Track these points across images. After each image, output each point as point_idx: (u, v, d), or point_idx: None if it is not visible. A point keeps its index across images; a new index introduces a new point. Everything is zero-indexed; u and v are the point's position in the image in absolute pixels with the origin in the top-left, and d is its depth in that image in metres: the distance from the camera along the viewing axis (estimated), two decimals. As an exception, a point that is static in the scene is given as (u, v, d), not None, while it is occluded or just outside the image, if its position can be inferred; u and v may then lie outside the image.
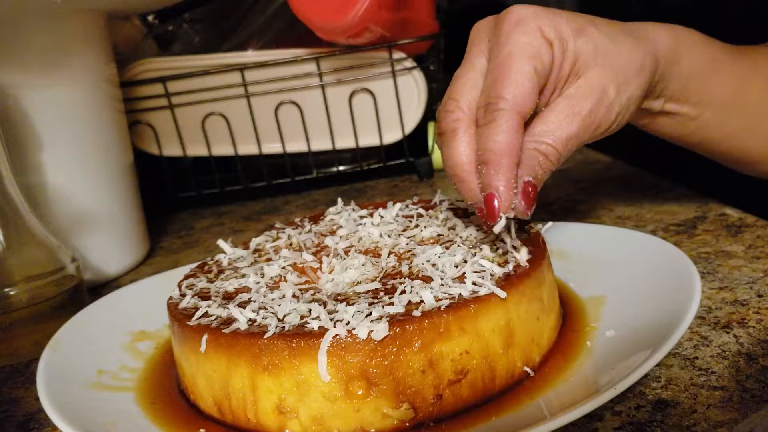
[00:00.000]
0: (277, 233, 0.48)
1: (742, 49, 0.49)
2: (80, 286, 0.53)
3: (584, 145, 0.42)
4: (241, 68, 0.74)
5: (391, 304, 0.33)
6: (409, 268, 0.38)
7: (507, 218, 0.37)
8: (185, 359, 0.37)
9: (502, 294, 0.34)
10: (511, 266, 0.37)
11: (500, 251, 0.39)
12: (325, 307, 0.34)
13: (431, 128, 0.82)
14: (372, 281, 0.38)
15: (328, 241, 0.44)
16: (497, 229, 0.37)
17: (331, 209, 0.51)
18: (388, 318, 0.32)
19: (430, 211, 0.47)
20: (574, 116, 0.39)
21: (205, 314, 0.36)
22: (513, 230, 0.39)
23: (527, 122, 0.39)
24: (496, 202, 0.36)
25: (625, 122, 0.42)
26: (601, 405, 0.30)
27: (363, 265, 0.40)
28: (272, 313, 0.35)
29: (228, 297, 0.38)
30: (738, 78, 0.47)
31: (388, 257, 0.41)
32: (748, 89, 0.47)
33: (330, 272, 0.41)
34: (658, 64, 0.43)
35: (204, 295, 0.39)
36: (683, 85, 0.45)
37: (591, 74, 0.40)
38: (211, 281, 0.42)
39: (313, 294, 0.37)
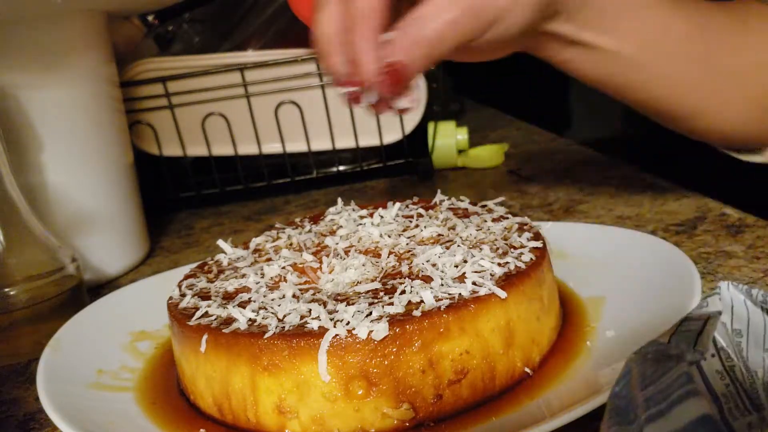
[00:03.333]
0: (277, 233, 0.48)
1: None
2: (80, 286, 0.53)
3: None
4: (241, 68, 0.74)
5: (391, 304, 0.33)
6: (409, 268, 0.38)
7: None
8: (185, 359, 0.37)
9: (502, 294, 0.34)
10: (511, 266, 0.37)
11: (500, 251, 0.39)
12: (325, 307, 0.34)
13: (431, 128, 0.82)
14: (372, 281, 0.38)
15: (328, 241, 0.44)
16: (365, 101, 0.37)
17: (331, 209, 0.50)
18: (388, 318, 0.32)
19: (430, 211, 0.47)
20: (453, 2, 0.38)
21: (205, 314, 0.36)
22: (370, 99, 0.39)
23: (414, 4, 0.38)
24: (361, 65, 0.36)
25: (515, 23, 0.41)
26: (601, 405, 0.30)
27: (363, 265, 0.40)
28: (272, 313, 0.35)
29: (228, 297, 0.38)
30: (672, 15, 0.45)
31: (388, 257, 0.41)
32: (675, 30, 0.46)
33: (330, 272, 0.41)
34: None
35: (204, 295, 0.39)
36: (602, 12, 0.43)
37: None
38: (211, 281, 0.42)
39: (313, 294, 0.37)
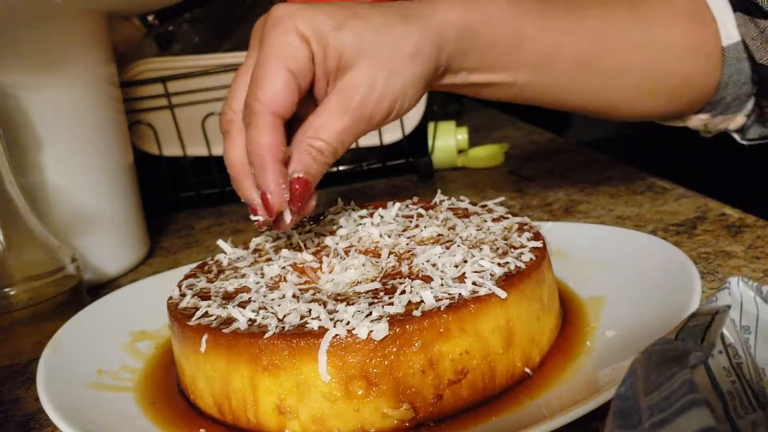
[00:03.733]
0: (277, 233, 0.48)
1: (570, 3, 0.49)
2: (80, 286, 0.53)
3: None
4: (241, 68, 0.74)
5: (391, 304, 0.33)
6: (409, 268, 0.38)
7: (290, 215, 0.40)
8: (185, 359, 0.37)
9: (502, 294, 0.34)
10: (511, 266, 0.37)
11: (500, 251, 0.39)
12: (325, 307, 0.34)
13: (431, 128, 0.82)
14: (372, 281, 0.38)
15: (328, 241, 0.44)
16: (284, 226, 0.40)
17: (331, 209, 0.51)
18: (388, 318, 0.32)
19: (430, 211, 0.47)
20: (345, 110, 0.40)
21: (205, 314, 0.36)
22: (288, 220, 0.41)
23: (306, 116, 0.40)
24: (270, 199, 0.39)
25: (411, 104, 0.43)
26: (601, 405, 0.30)
27: (363, 265, 0.40)
28: (272, 313, 0.35)
29: (228, 297, 0.38)
30: (554, 38, 0.47)
31: (388, 257, 0.41)
32: (564, 49, 0.47)
33: (330, 272, 0.41)
34: (445, 42, 0.43)
35: (204, 295, 0.39)
36: (485, 54, 0.45)
37: (358, 67, 0.40)
38: (211, 281, 0.42)
39: (313, 294, 0.37)
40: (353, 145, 0.78)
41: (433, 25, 0.43)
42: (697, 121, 0.54)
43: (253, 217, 0.41)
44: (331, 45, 0.40)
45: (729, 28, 0.49)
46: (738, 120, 0.53)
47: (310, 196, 0.41)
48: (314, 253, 0.43)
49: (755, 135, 0.54)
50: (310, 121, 0.40)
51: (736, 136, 0.55)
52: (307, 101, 0.41)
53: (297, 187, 0.39)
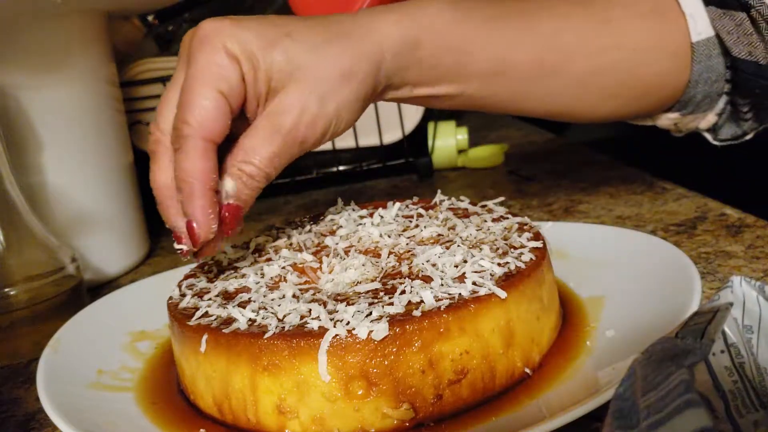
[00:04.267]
0: (277, 233, 0.48)
1: (525, 5, 0.47)
2: (80, 286, 0.53)
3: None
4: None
5: (391, 304, 0.33)
6: (409, 268, 0.38)
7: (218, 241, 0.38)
8: (185, 359, 0.37)
9: (502, 294, 0.34)
10: (511, 266, 0.37)
11: (500, 251, 0.39)
12: (325, 307, 0.34)
13: (431, 128, 0.82)
14: (372, 281, 0.38)
15: (328, 241, 0.44)
16: (209, 253, 0.39)
17: (331, 209, 0.51)
18: (388, 318, 0.32)
19: (430, 211, 0.47)
20: (275, 134, 0.38)
21: (205, 314, 0.36)
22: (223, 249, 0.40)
23: (237, 138, 0.38)
24: (196, 229, 0.37)
25: (347, 125, 0.41)
26: (601, 405, 0.30)
27: (363, 265, 0.40)
28: (272, 313, 0.35)
29: (228, 297, 0.38)
30: (501, 47, 0.45)
31: (388, 257, 0.41)
32: (513, 57, 0.45)
33: (330, 272, 0.41)
34: (383, 60, 0.41)
35: (204, 295, 0.39)
36: (429, 68, 0.43)
37: (289, 89, 0.38)
38: (211, 281, 0.42)
39: (313, 294, 0.37)
40: (353, 146, 0.79)
41: (369, 43, 0.40)
42: (666, 121, 0.53)
43: (176, 246, 0.39)
44: (261, 66, 0.38)
45: (699, 23, 0.47)
46: (709, 119, 0.52)
47: (240, 221, 0.40)
48: (314, 253, 0.43)
49: (728, 135, 0.53)
50: (241, 144, 0.38)
51: (708, 136, 0.53)
52: (239, 120, 0.39)
53: (227, 213, 0.38)
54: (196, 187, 0.37)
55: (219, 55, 0.37)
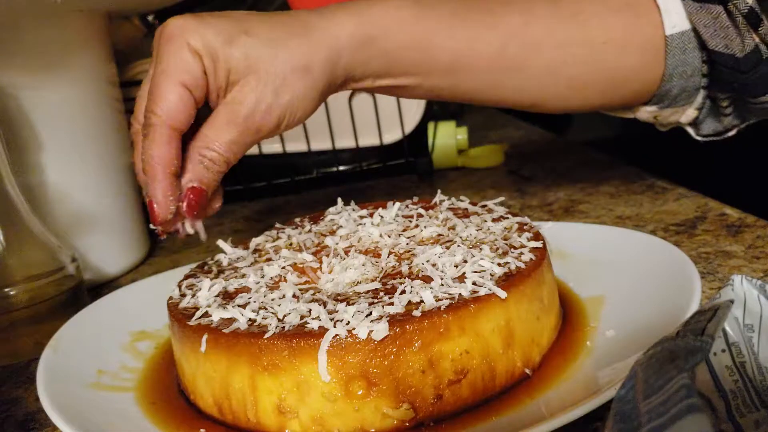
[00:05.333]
0: (277, 233, 0.48)
1: (488, 1, 0.48)
2: (80, 286, 0.53)
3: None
4: (241, 68, 0.74)
5: (391, 304, 0.33)
6: (409, 268, 0.38)
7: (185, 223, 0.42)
8: (185, 359, 0.37)
9: (503, 294, 0.34)
10: (511, 266, 0.37)
11: (500, 251, 0.39)
12: (325, 307, 0.34)
13: (431, 128, 0.82)
14: (372, 281, 0.38)
15: (328, 241, 0.44)
16: (182, 233, 0.43)
17: (331, 209, 0.51)
18: (388, 318, 0.32)
19: (430, 211, 0.47)
20: (231, 123, 0.41)
21: (205, 314, 0.36)
22: (186, 230, 0.43)
23: (201, 125, 0.42)
24: (156, 209, 0.40)
25: (304, 115, 0.44)
26: (601, 405, 0.30)
27: (363, 265, 0.40)
28: (272, 313, 0.35)
29: (228, 297, 0.38)
30: (464, 41, 0.46)
31: (388, 257, 0.41)
32: (476, 50, 0.47)
33: (330, 272, 0.41)
34: (339, 56, 0.44)
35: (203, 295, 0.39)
36: (390, 61, 0.46)
37: (245, 81, 0.41)
38: (211, 281, 0.42)
39: (313, 294, 0.37)
40: (353, 146, 0.79)
41: (325, 40, 0.43)
42: (645, 114, 0.53)
43: (152, 226, 0.42)
44: (221, 60, 0.41)
45: (674, 16, 0.47)
46: (689, 113, 0.52)
47: (215, 199, 0.44)
48: (314, 253, 0.43)
49: (709, 130, 0.53)
50: (202, 131, 0.41)
51: (691, 131, 0.54)
52: (202, 109, 0.42)
53: (192, 196, 0.41)
54: (158, 170, 0.40)
55: (183, 52, 0.40)
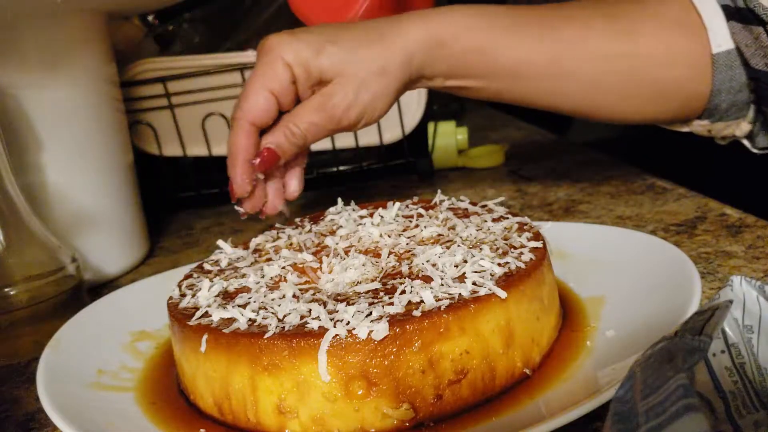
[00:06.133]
0: (277, 233, 0.48)
1: (548, 14, 0.52)
2: (80, 286, 0.53)
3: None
4: (241, 68, 0.74)
5: (391, 304, 0.33)
6: (409, 268, 0.38)
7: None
8: (185, 359, 0.37)
9: (503, 294, 0.34)
10: (511, 266, 0.37)
11: (500, 251, 0.39)
12: (325, 307, 0.34)
13: (431, 128, 0.82)
14: (372, 281, 0.38)
15: (328, 241, 0.44)
16: (243, 209, 0.51)
17: (331, 209, 0.51)
18: (388, 318, 0.32)
19: (430, 211, 0.47)
20: (319, 109, 0.49)
21: (205, 314, 0.36)
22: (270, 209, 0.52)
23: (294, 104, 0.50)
24: (234, 188, 0.49)
25: (381, 113, 0.51)
26: (601, 405, 0.30)
27: (363, 265, 0.40)
28: (272, 313, 0.35)
29: (228, 297, 0.38)
30: (524, 49, 0.51)
31: (388, 257, 0.41)
32: (535, 58, 0.51)
33: (330, 272, 0.41)
34: (412, 57, 0.50)
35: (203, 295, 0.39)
36: (457, 64, 0.51)
37: (335, 81, 0.49)
38: (211, 281, 0.42)
39: (313, 294, 0.37)
40: (353, 145, 0.79)
41: (399, 45, 0.50)
42: (699, 127, 0.55)
43: (236, 208, 0.51)
44: (312, 68, 0.49)
45: (719, 36, 0.50)
46: (743, 127, 0.53)
47: (294, 182, 0.53)
48: (314, 253, 0.43)
49: (764, 144, 0.54)
50: (294, 110, 0.50)
51: (747, 144, 0.55)
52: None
53: (265, 154, 0.49)
54: (238, 157, 0.49)
55: (276, 63, 0.48)
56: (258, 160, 0.48)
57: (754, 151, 0.55)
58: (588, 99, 0.53)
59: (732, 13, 0.49)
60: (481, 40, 0.51)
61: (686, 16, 0.50)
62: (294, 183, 0.53)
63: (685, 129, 0.56)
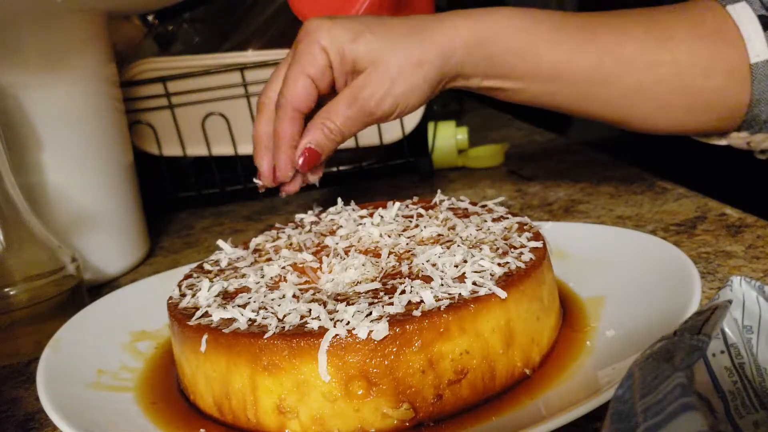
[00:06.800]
0: (277, 233, 0.48)
1: (588, 20, 0.52)
2: (80, 286, 0.53)
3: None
4: (241, 68, 0.75)
5: (391, 304, 0.33)
6: (409, 268, 0.38)
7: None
8: (185, 359, 0.37)
9: (503, 294, 0.34)
10: (511, 266, 0.37)
11: (500, 251, 0.39)
12: (325, 307, 0.34)
13: (431, 128, 0.82)
14: (372, 281, 0.38)
15: (328, 241, 0.44)
16: (285, 191, 0.53)
17: (331, 209, 0.51)
18: (388, 318, 0.32)
19: (430, 211, 0.47)
20: (352, 102, 0.49)
21: (205, 314, 0.36)
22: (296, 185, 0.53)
23: (328, 98, 0.50)
24: (278, 173, 0.51)
25: (415, 105, 0.51)
26: (601, 405, 0.30)
27: (363, 265, 0.40)
28: (272, 313, 0.35)
29: (228, 297, 0.38)
30: (563, 52, 0.51)
31: (388, 257, 0.41)
32: (573, 62, 0.51)
33: (330, 272, 0.41)
34: (452, 54, 0.50)
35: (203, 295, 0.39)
36: (497, 64, 0.51)
37: (368, 71, 0.49)
38: (211, 281, 0.42)
39: (313, 294, 0.37)
40: (353, 145, 0.79)
41: (439, 39, 0.49)
42: (737, 140, 0.54)
43: (255, 180, 0.53)
44: (347, 54, 0.49)
45: (757, 45, 0.49)
46: None
47: (318, 169, 0.53)
48: (314, 253, 0.43)
49: None
50: (327, 106, 0.50)
51: None
52: (332, 94, 0.51)
53: (307, 155, 0.50)
54: (284, 143, 0.50)
55: (313, 47, 0.49)
56: (301, 161, 0.49)
57: None
58: (626, 107, 0.53)
59: None
60: (522, 41, 0.51)
61: (722, 26, 0.50)
62: (316, 169, 0.53)
63: (723, 142, 0.55)
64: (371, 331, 0.31)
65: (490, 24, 0.50)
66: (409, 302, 0.34)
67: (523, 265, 0.37)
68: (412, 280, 0.36)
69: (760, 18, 0.49)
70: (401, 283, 0.36)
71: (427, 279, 0.36)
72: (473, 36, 0.50)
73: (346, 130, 0.50)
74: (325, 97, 0.51)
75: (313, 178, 0.53)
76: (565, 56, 0.51)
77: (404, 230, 0.44)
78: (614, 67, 0.51)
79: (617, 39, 0.51)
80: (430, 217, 0.46)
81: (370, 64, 0.49)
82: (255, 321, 0.34)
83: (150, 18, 0.91)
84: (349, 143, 0.79)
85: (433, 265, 0.38)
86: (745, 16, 0.50)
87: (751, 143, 0.54)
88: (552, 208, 0.64)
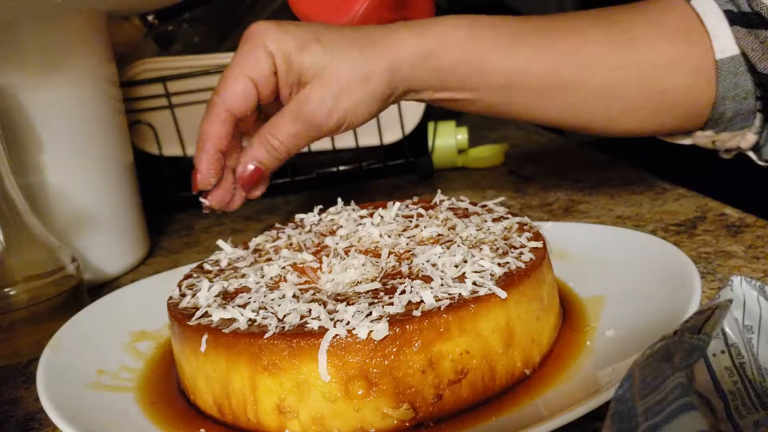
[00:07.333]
0: (277, 233, 0.48)
1: (544, 24, 0.50)
2: (80, 286, 0.53)
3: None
4: (241, 68, 0.74)
5: (391, 304, 0.33)
6: (409, 268, 0.38)
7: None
8: (185, 359, 0.37)
9: (503, 294, 0.34)
10: (511, 266, 0.37)
11: (500, 251, 0.39)
12: (325, 307, 0.34)
13: (431, 128, 0.82)
14: (372, 281, 0.38)
15: (328, 241, 0.44)
16: (215, 205, 0.49)
17: (331, 209, 0.50)
18: (388, 318, 0.32)
19: (430, 211, 0.47)
20: (297, 118, 0.47)
21: (205, 314, 0.36)
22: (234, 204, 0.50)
23: (273, 112, 0.48)
24: (198, 178, 0.47)
25: (362, 119, 0.48)
26: (601, 405, 0.30)
27: (363, 265, 0.40)
28: (272, 313, 0.35)
29: (228, 297, 0.38)
30: (519, 61, 0.49)
31: (388, 257, 0.41)
32: (530, 70, 0.49)
33: (330, 272, 0.41)
34: (399, 68, 0.48)
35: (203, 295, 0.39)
36: (447, 77, 0.49)
37: (313, 84, 0.47)
38: (211, 281, 0.42)
39: (313, 294, 0.37)
40: (353, 145, 0.79)
41: (387, 53, 0.47)
42: (703, 139, 0.53)
43: (200, 199, 0.49)
44: (293, 63, 0.46)
45: (723, 41, 0.48)
46: (749, 138, 0.52)
47: (260, 185, 0.49)
48: (314, 253, 0.43)
49: None
50: (271, 120, 0.47)
51: (753, 156, 0.54)
52: (275, 104, 0.48)
53: (249, 174, 0.47)
54: (207, 144, 0.46)
55: (258, 51, 0.46)
56: (242, 179, 0.47)
57: (760, 163, 0.53)
58: (588, 112, 0.51)
59: (735, 18, 0.48)
60: (471, 52, 0.49)
61: (687, 23, 0.49)
62: (259, 185, 0.50)
63: (688, 141, 0.54)
64: (371, 331, 0.31)
65: (435, 36, 0.48)
66: (409, 302, 0.34)
67: (523, 265, 0.37)
68: (412, 280, 0.36)
69: (726, 13, 0.48)
70: (401, 283, 0.36)
71: (427, 279, 0.36)
72: (418, 49, 0.48)
73: (291, 146, 0.47)
74: (266, 107, 0.49)
75: (256, 194, 0.50)
76: (520, 64, 0.49)
77: (404, 230, 0.44)
78: (573, 73, 0.49)
79: (575, 42, 0.49)
80: (430, 217, 0.46)
81: (315, 76, 0.46)
82: (255, 321, 0.34)
83: (150, 18, 0.91)
84: (349, 143, 0.79)
85: (433, 265, 0.38)
86: (710, 11, 0.48)
87: (716, 142, 0.53)
88: (552, 208, 0.64)
